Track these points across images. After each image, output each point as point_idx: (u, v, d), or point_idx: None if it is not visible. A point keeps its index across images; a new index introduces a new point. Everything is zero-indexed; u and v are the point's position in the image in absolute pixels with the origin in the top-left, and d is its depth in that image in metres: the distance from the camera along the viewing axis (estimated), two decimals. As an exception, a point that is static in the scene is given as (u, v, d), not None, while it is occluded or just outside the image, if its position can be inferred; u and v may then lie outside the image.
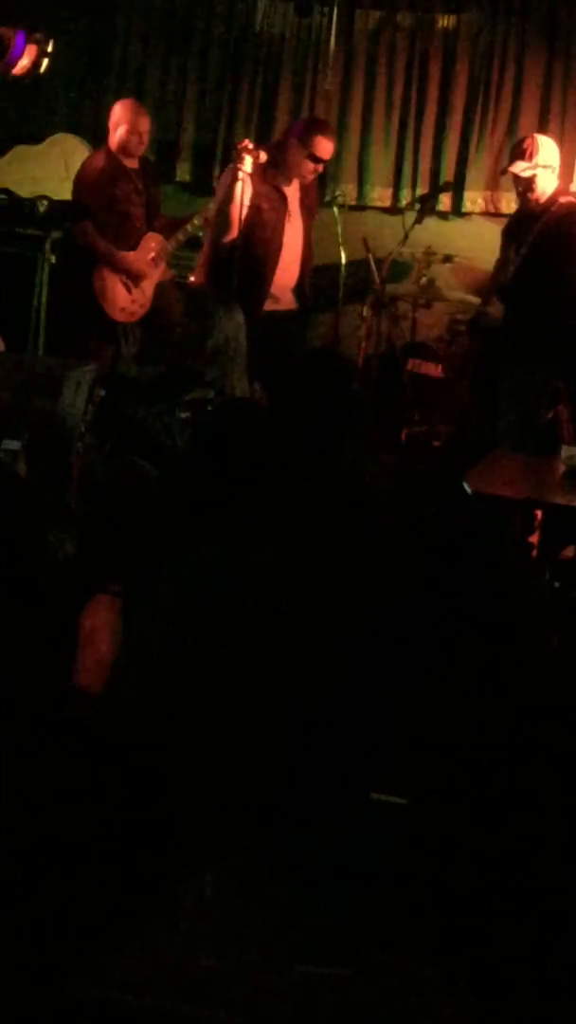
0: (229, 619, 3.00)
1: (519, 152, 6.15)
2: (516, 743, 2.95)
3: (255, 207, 6.47)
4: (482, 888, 2.77)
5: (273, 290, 6.60)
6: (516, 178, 6.12)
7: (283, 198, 6.53)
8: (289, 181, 6.52)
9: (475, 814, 2.87)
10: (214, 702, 2.92)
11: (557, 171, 6.15)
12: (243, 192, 6.44)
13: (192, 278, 7.75)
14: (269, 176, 6.48)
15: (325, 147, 6.43)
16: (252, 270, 6.52)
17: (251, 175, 6.46)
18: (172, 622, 3.06)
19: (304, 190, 6.64)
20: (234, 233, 6.51)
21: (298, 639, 3.01)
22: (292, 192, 6.58)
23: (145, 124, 7.01)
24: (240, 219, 6.45)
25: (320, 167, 6.50)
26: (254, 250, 6.52)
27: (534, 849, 2.81)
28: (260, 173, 6.48)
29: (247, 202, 6.45)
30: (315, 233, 6.94)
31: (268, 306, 6.60)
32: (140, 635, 3.11)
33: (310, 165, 6.45)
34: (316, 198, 6.81)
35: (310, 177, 6.54)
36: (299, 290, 6.70)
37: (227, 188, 6.47)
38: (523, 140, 6.32)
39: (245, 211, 6.45)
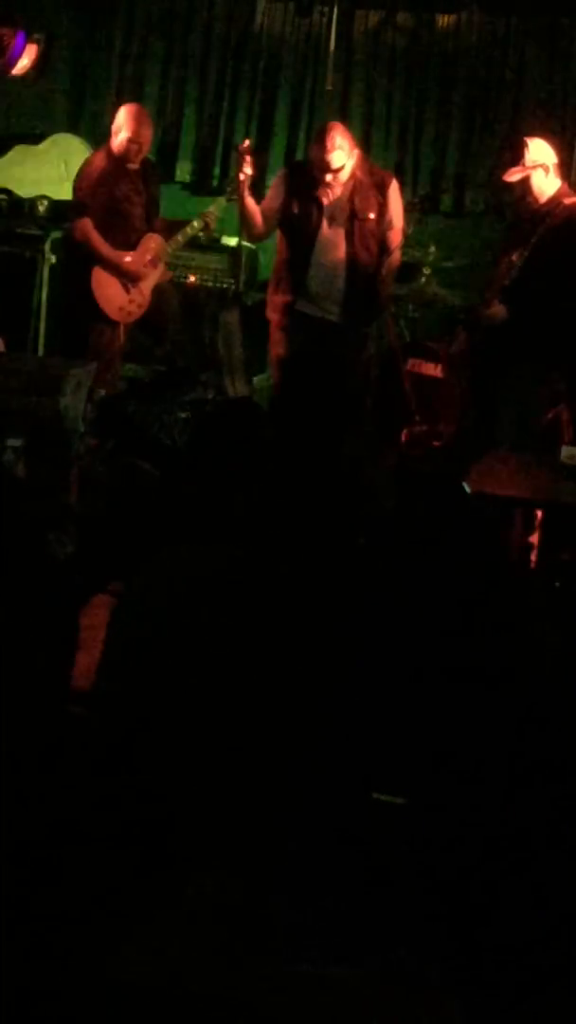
0: (200, 615, 2.99)
1: (510, 158, 6.09)
2: (517, 743, 2.95)
3: (286, 213, 6.46)
4: (483, 887, 2.77)
5: (312, 295, 6.50)
6: (512, 187, 6.06)
7: (317, 204, 6.44)
8: (321, 187, 6.43)
9: (476, 815, 2.87)
10: (200, 700, 2.92)
11: (552, 170, 6.05)
12: (248, 193, 6.46)
13: (191, 278, 7.76)
14: (304, 183, 6.45)
15: (317, 155, 6.39)
16: (284, 269, 6.54)
17: (289, 183, 6.47)
18: (147, 619, 3.05)
19: (352, 198, 6.43)
20: (257, 231, 6.60)
21: (284, 635, 3.00)
22: (334, 199, 6.45)
23: (147, 135, 6.97)
24: (257, 220, 6.48)
25: (327, 174, 6.40)
26: (285, 254, 6.53)
27: (536, 849, 2.81)
28: (296, 181, 6.48)
29: (276, 206, 6.47)
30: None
31: (303, 308, 6.51)
32: (120, 632, 3.11)
33: (315, 173, 6.42)
34: (375, 206, 6.48)
35: (333, 185, 6.41)
36: (348, 301, 6.48)
37: (237, 193, 6.51)
38: (512, 146, 6.22)
39: (273, 214, 6.47)
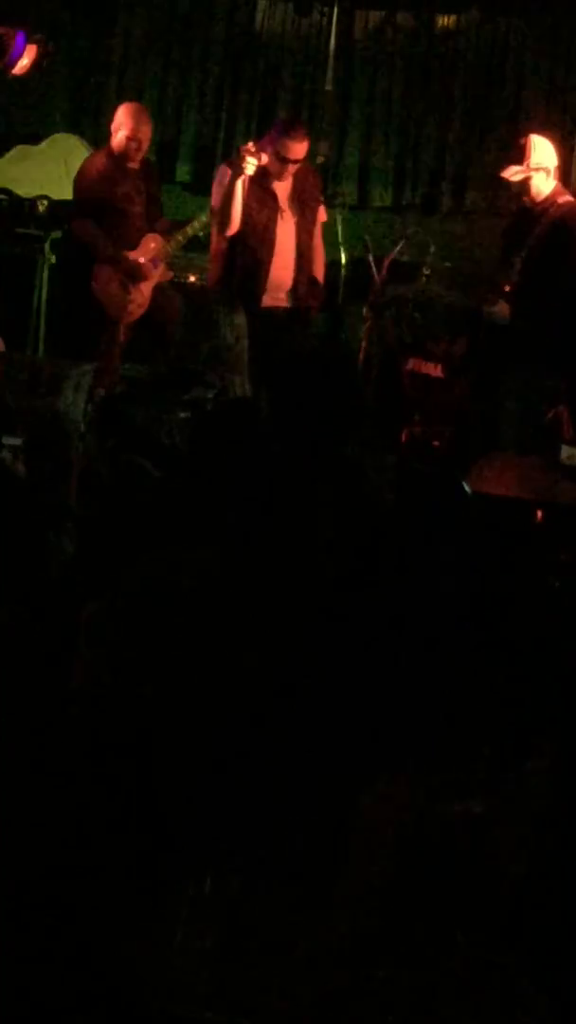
0: (179, 620, 3.00)
1: (513, 155, 6.12)
2: (519, 742, 2.95)
3: (247, 206, 6.51)
4: (483, 885, 2.77)
5: (270, 287, 6.63)
6: (510, 184, 6.10)
7: (272, 196, 6.55)
8: (274, 179, 6.54)
9: (478, 815, 2.87)
10: (194, 700, 2.92)
11: (553, 171, 6.10)
12: (245, 192, 6.47)
13: (192, 278, 7.76)
14: (257, 175, 6.50)
15: (292, 148, 6.46)
16: (248, 268, 6.58)
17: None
18: (127, 624, 3.06)
19: (297, 187, 6.62)
20: (234, 229, 6.57)
21: (277, 636, 3.00)
22: (282, 190, 6.59)
23: (146, 132, 6.98)
24: (240, 217, 6.51)
25: (291, 167, 6.50)
26: (248, 249, 6.56)
27: (540, 847, 2.81)
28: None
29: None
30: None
31: (267, 303, 6.65)
32: (100, 636, 3.11)
33: (278, 165, 6.48)
34: (316, 194, 6.75)
35: (286, 176, 6.54)
36: (294, 288, 6.68)
37: (228, 187, 6.49)
38: (517, 141, 6.27)
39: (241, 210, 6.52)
